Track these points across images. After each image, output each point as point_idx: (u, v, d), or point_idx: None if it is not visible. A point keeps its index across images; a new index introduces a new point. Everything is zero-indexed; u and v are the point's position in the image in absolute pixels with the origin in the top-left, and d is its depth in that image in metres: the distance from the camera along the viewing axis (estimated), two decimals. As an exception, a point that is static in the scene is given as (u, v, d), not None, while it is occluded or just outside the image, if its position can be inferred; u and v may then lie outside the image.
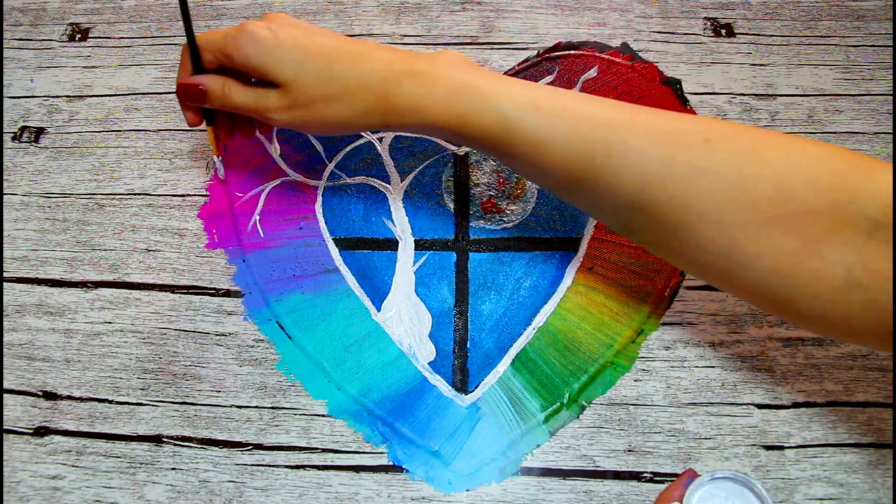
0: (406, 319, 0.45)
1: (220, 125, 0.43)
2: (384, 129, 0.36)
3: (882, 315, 0.28)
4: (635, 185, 0.31)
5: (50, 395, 0.43)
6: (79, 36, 0.58)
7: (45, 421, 0.42)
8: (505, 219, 0.48)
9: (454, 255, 0.47)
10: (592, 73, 0.52)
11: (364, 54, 0.35)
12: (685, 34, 0.55)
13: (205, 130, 0.43)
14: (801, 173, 0.28)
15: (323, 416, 0.42)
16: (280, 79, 0.35)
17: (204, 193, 0.50)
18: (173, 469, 0.40)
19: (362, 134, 0.51)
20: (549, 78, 0.52)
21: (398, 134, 0.51)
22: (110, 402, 0.43)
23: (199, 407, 0.42)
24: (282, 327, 0.44)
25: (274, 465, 0.40)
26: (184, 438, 0.41)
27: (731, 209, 0.29)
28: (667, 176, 0.30)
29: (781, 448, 0.40)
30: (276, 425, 0.42)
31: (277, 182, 0.49)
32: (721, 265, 0.30)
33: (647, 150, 0.30)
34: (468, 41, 0.55)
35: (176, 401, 0.43)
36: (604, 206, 0.33)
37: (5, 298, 0.47)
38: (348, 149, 0.51)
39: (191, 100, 0.39)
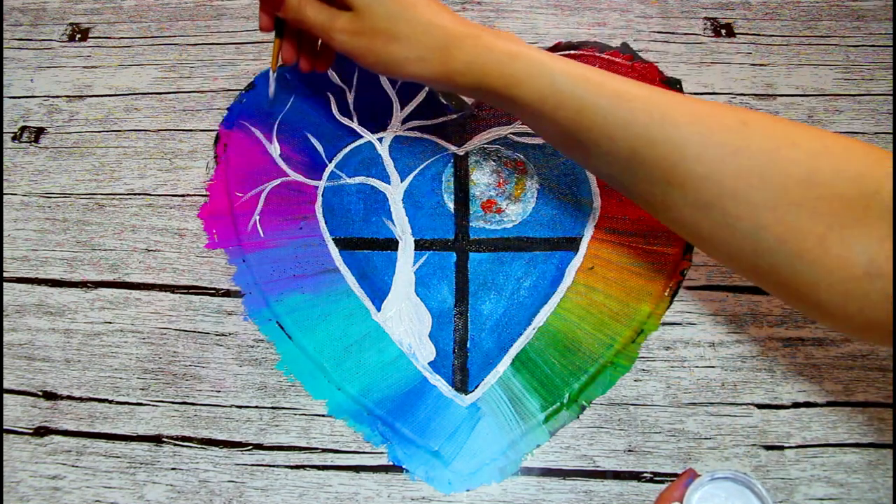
0: (406, 319, 0.45)
1: (287, 43, 0.44)
2: (434, 83, 0.38)
3: None
4: (672, 159, 0.32)
5: (50, 395, 0.43)
6: (79, 36, 0.58)
7: (45, 421, 0.42)
8: (505, 219, 0.48)
9: (454, 255, 0.47)
10: (592, 73, 0.52)
11: (434, 9, 0.37)
12: (685, 34, 0.55)
13: (271, 43, 0.44)
14: (831, 160, 0.29)
15: (323, 416, 0.42)
16: (355, 3, 0.37)
17: (204, 193, 0.50)
18: (173, 469, 0.40)
19: (362, 134, 0.51)
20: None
21: (398, 134, 0.51)
22: (110, 402, 0.43)
23: (199, 407, 0.42)
24: (282, 327, 0.44)
25: (274, 465, 0.40)
26: (184, 438, 0.41)
27: (762, 189, 0.30)
28: (703, 152, 0.31)
29: (781, 448, 0.40)
30: (276, 425, 0.42)
31: (277, 182, 0.49)
32: (748, 247, 0.31)
33: (685, 125, 0.31)
34: (468, 41, 0.55)
35: (176, 401, 0.43)
36: (637, 179, 0.34)
37: (5, 298, 0.47)
38: (348, 149, 0.51)
39: (269, 4, 0.41)
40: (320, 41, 0.45)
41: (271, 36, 0.44)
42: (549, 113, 0.35)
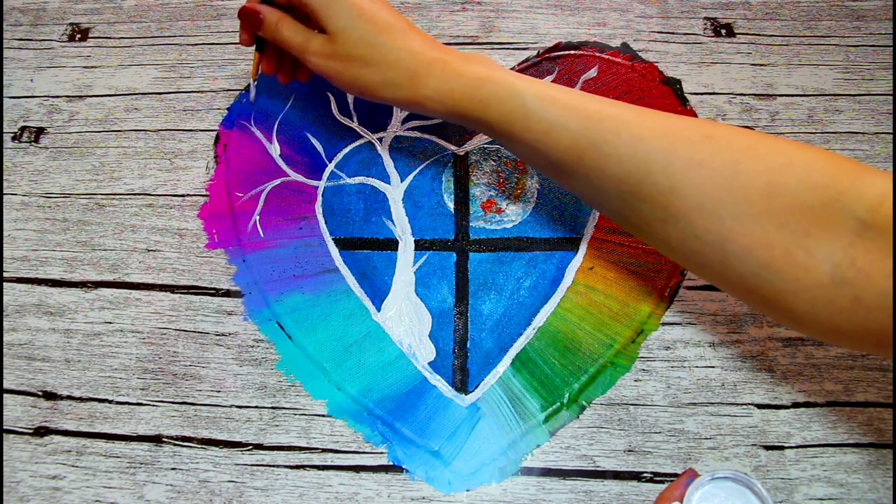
0: (406, 319, 0.45)
1: (267, 56, 0.45)
2: (406, 107, 0.39)
3: (866, 315, 0.28)
4: (639, 174, 0.32)
5: (50, 395, 0.43)
6: (79, 36, 0.58)
7: (45, 421, 0.42)
8: (505, 219, 0.48)
9: (454, 255, 0.47)
10: (592, 73, 0.52)
11: (407, 34, 0.38)
12: (685, 34, 0.55)
13: (252, 56, 0.46)
14: (793, 171, 0.30)
15: (323, 416, 0.42)
16: (330, 27, 0.38)
17: (204, 193, 0.50)
18: (173, 469, 0.40)
19: (362, 134, 0.51)
20: (549, 78, 0.52)
21: (398, 134, 0.51)
22: (110, 402, 0.43)
23: (199, 407, 0.42)
24: (282, 327, 0.44)
25: (274, 465, 0.40)
26: (184, 438, 0.41)
27: (726, 201, 0.30)
28: (668, 166, 0.32)
29: (781, 448, 0.40)
30: (276, 425, 0.42)
31: (277, 182, 0.49)
32: (716, 258, 0.32)
33: (651, 141, 0.32)
34: (468, 41, 0.55)
35: (176, 401, 0.43)
36: (607, 195, 0.35)
37: (5, 298, 0.47)
38: (348, 149, 0.51)
39: (248, 24, 0.42)
40: None
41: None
42: (519, 135, 0.36)
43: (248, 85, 0.54)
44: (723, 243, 0.31)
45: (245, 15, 0.42)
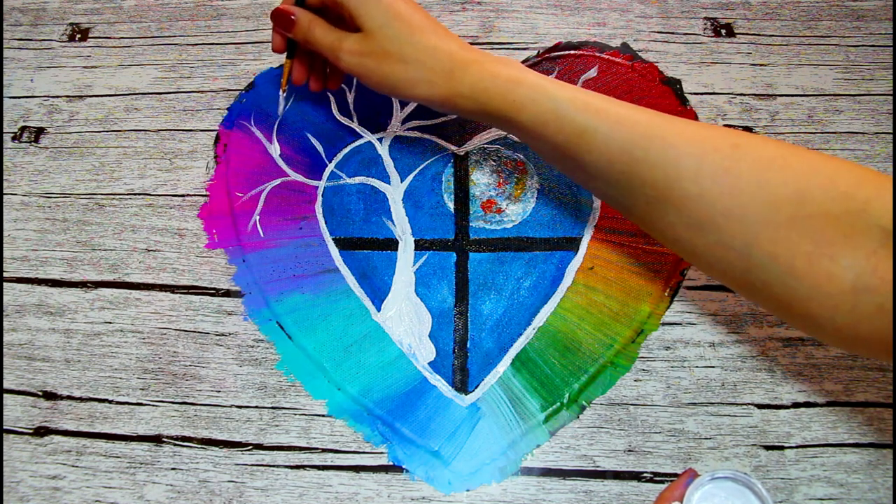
0: (406, 319, 0.45)
1: (297, 63, 0.45)
2: (437, 104, 0.39)
3: (887, 323, 0.29)
4: (668, 179, 0.33)
5: (50, 395, 0.43)
6: (79, 36, 0.58)
7: (45, 421, 0.42)
8: (505, 219, 0.48)
9: (454, 255, 0.47)
10: (592, 73, 0.52)
11: (441, 35, 0.39)
12: (685, 34, 0.55)
13: (282, 63, 0.46)
14: (819, 180, 0.30)
15: (323, 416, 0.42)
16: (366, 25, 0.39)
17: (204, 193, 0.50)
18: (173, 469, 0.40)
19: (362, 134, 0.51)
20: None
21: (398, 134, 0.51)
22: (110, 402, 0.43)
23: (199, 407, 0.42)
24: (282, 327, 0.44)
25: (274, 465, 0.40)
26: (184, 438, 0.41)
27: (753, 208, 0.31)
28: (697, 172, 0.32)
29: (781, 448, 0.40)
30: (276, 425, 0.42)
31: (277, 182, 0.49)
32: (740, 264, 0.32)
33: (681, 147, 0.33)
34: (468, 41, 0.55)
35: (176, 401, 0.43)
36: (635, 199, 0.35)
37: (5, 298, 0.47)
38: (348, 149, 0.51)
39: (280, 25, 0.43)
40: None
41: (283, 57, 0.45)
42: (551, 137, 0.36)
43: (248, 85, 0.54)
44: (748, 250, 0.31)
45: (277, 16, 0.42)
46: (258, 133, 0.51)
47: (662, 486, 0.39)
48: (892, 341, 0.29)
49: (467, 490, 0.39)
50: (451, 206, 0.48)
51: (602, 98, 0.36)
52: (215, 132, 0.52)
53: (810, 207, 0.30)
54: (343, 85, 0.53)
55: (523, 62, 0.53)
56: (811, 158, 0.31)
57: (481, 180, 0.49)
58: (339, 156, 0.51)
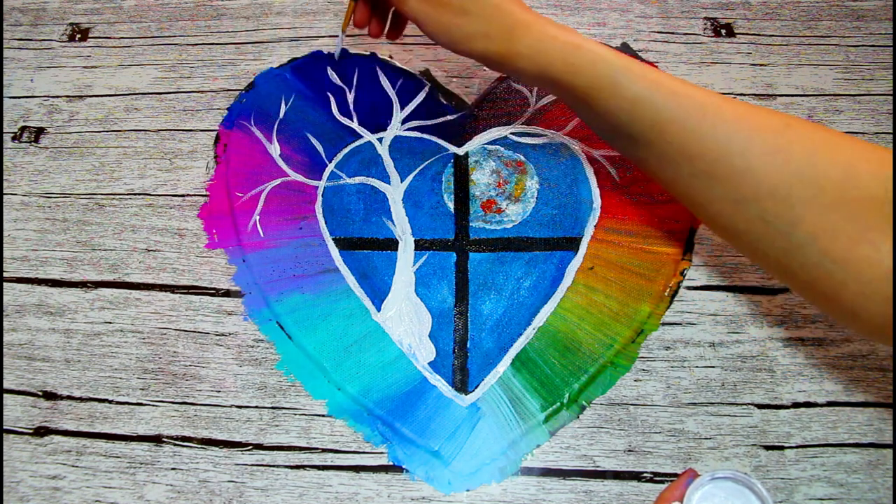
0: (406, 319, 0.45)
1: (361, 5, 0.45)
2: (492, 61, 0.39)
3: None
4: (717, 153, 0.34)
5: (50, 395, 0.43)
6: (79, 36, 0.58)
7: (45, 421, 0.42)
8: (505, 219, 0.48)
9: (454, 255, 0.47)
10: (592, 73, 0.52)
11: None
12: (685, 34, 0.55)
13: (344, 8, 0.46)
14: (868, 165, 0.31)
15: (323, 416, 0.42)
16: None
17: (204, 193, 0.50)
18: (173, 469, 0.40)
19: (362, 134, 0.51)
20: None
21: (398, 134, 0.51)
22: (110, 402, 0.43)
23: (199, 407, 0.42)
24: (282, 327, 0.44)
25: (274, 465, 0.40)
26: (184, 438, 0.41)
27: (799, 188, 0.31)
28: (747, 148, 0.33)
29: (781, 448, 0.40)
30: (276, 425, 0.42)
31: (277, 182, 0.49)
32: (780, 244, 0.33)
33: (732, 123, 0.33)
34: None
35: (176, 401, 0.43)
36: (680, 171, 0.36)
37: (5, 298, 0.47)
38: (348, 149, 0.51)
39: None
40: (392, 9, 0.46)
41: None
42: (604, 103, 0.37)
43: (248, 85, 0.54)
44: (790, 229, 0.32)
45: None
46: (258, 133, 0.51)
47: (662, 486, 0.39)
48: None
49: (467, 490, 0.39)
50: (451, 206, 0.48)
51: (657, 71, 0.36)
52: (215, 132, 0.52)
53: (857, 191, 0.30)
54: (343, 85, 0.53)
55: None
56: (860, 144, 0.32)
57: (481, 180, 0.49)
58: (339, 156, 0.51)
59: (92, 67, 0.56)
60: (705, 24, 0.56)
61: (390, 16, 0.46)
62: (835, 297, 0.32)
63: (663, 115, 0.35)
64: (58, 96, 0.55)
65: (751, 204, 0.33)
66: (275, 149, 0.51)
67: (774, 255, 0.34)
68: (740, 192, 0.33)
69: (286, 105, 0.52)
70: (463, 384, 0.42)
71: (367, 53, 0.54)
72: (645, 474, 0.39)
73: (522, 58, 0.38)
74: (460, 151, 0.50)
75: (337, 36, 0.49)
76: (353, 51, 0.54)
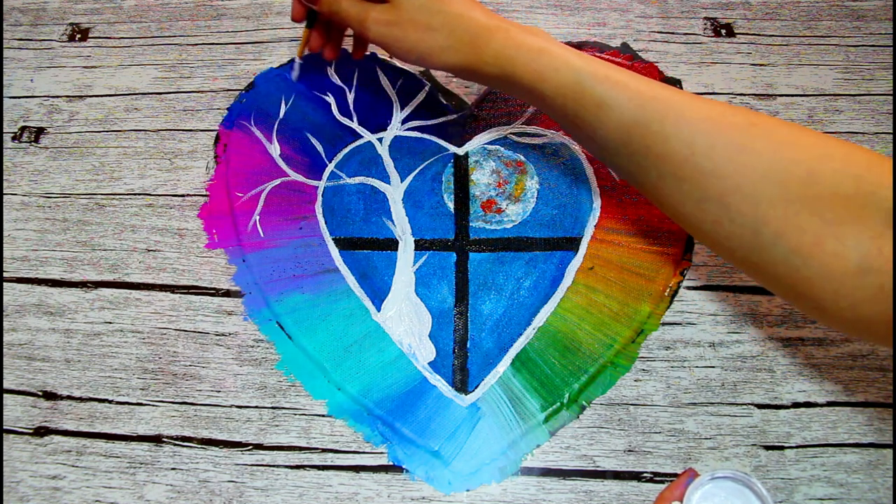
0: (406, 319, 0.45)
1: (315, 32, 0.46)
2: (462, 72, 0.40)
3: (889, 305, 0.29)
4: (683, 153, 0.33)
5: (50, 395, 0.43)
6: (79, 36, 0.58)
7: (45, 421, 0.42)
8: (505, 219, 0.48)
9: (454, 255, 0.47)
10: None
11: (467, 3, 0.39)
12: (685, 34, 0.55)
13: (301, 32, 0.47)
14: (832, 162, 0.31)
15: (323, 416, 0.42)
16: None
17: (204, 193, 0.50)
18: (173, 469, 0.40)
19: (362, 134, 0.51)
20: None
21: (398, 134, 0.51)
22: (110, 402, 0.43)
23: (199, 407, 0.42)
24: (282, 327, 0.44)
25: (274, 465, 0.40)
26: (184, 438, 0.41)
27: (764, 185, 0.31)
28: (711, 148, 0.33)
29: (781, 448, 0.40)
30: (276, 425, 0.42)
31: (277, 182, 0.49)
32: (747, 241, 0.33)
33: (697, 123, 0.33)
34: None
35: (176, 401, 0.43)
36: (648, 174, 0.36)
37: (5, 298, 0.47)
38: (348, 149, 0.51)
39: None
40: (353, 33, 0.46)
41: (301, 26, 0.46)
42: (571, 108, 0.37)
43: (248, 85, 0.54)
44: (756, 226, 0.32)
45: None
46: (258, 133, 0.51)
47: (662, 486, 0.39)
48: (893, 322, 0.29)
49: (467, 490, 0.39)
50: (451, 206, 0.48)
51: (623, 72, 0.36)
52: (215, 132, 0.52)
53: (821, 187, 0.30)
54: (343, 85, 0.53)
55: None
56: (825, 141, 0.32)
57: (481, 180, 0.49)
58: (339, 156, 0.51)
59: (92, 67, 0.56)
60: (705, 24, 0.56)
61: (354, 39, 0.47)
62: (802, 292, 0.32)
63: (627, 117, 0.35)
64: (58, 96, 0.55)
65: (716, 203, 0.33)
66: (275, 149, 0.51)
67: (741, 252, 0.34)
68: (706, 192, 0.33)
69: (286, 105, 0.52)
70: (463, 384, 0.42)
71: (367, 53, 0.54)
72: (645, 474, 0.39)
73: (488, 65, 0.38)
74: (460, 151, 0.50)
75: (294, 61, 0.50)
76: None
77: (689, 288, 0.45)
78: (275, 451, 0.41)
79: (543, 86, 0.37)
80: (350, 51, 0.54)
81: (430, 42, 0.39)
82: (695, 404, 0.41)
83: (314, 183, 0.49)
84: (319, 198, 0.49)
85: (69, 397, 0.43)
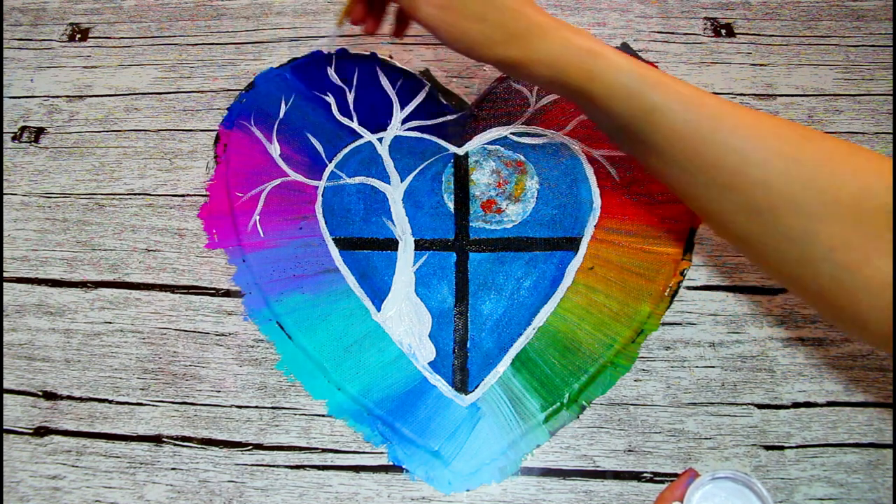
0: (406, 319, 0.45)
1: (358, 4, 0.44)
2: (509, 67, 0.39)
3: None
4: (733, 163, 0.33)
5: (50, 395, 0.43)
6: (79, 36, 0.58)
7: (45, 421, 0.42)
8: (505, 219, 0.48)
9: (454, 255, 0.47)
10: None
11: (523, 1, 0.38)
12: (685, 34, 0.55)
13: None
14: (884, 178, 0.31)
15: (323, 416, 0.42)
16: None
17: (204, 193, 0.50)
18: (173, 469, 0.40)
19: (362, 134, 0.51)
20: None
21: (398, 134, 0.51)
22: (110, 402, 0.43)
23: (199, 407, 0.42)
24: (282, 327, 0.44)
25: (274, 465, 0.40)
26: (184, 438, 0.41)
27: (816, 199, 0.31)
28: (764, 160, 0.33)
29: (781, 448, 0.40)
30: (276, 425, 0.42)
31: (277, 182, 0.49)
32: (794, 255, 0.33)
33: (751, 133, 0.33)
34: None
35: (176, 401, 0.43)
36: (695, 180, 0.36)
37: (5, 298, 0.47)
38: (348, 149, 0.51)
39: None
40: (394, 7, 0.45)
41: None
42: (620, 110, 0.37)
43: (248, 85, 0.54)
44: (805, 240, 0.32)
45: None
46: (258, 133, 0.51)
47: (662, 486, 0.39)
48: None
49: (467, 490, 0.39)
50: (451, 206, 0.48)
51: (673, 78, 0.36)
52: (215, 132, 0.52)
53: (872, 203, 0.30)
54: (343, 85, 0.53)
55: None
56: (877, 157, 0.32)
57: (481, 180, 0.49)
58: (339, 156, 0.51)
59: (92, 67, 0.56)
60: (705, 24, 0.56)
61: (394, 15, 0.46)
62: (846, 307, 0.32)
63: (678, 124, 0.35)
64: (58, 96, 0.55)
65: (765, 214, 0.33)
66: (275, 149, 0.51)
67: (787, 265, 0.33)
68: (756, 203, 0.33)
69: (286, 105, 0.52)
70: (463, 384, 0.42)
71: (367, 53, 0.54)
72: (645, 474, 0.39)
73: (540, 64, 0.38)
74: (460, 151, 0.50)
75: (329, 35, 0.48)
76: (353, 51, 0.54)
77: (689, 288, 0.45)
78: (275, 451, 0.41)
79: (594, 86, 0.37)
80: (350, 51, 0.54)
81: (481, 33, 0.38)
82: (695, 404, 0.41)
83: (314, 183, 0.49)
84: (319, 198, 0.49)
85: (69, 397, 0.43)
